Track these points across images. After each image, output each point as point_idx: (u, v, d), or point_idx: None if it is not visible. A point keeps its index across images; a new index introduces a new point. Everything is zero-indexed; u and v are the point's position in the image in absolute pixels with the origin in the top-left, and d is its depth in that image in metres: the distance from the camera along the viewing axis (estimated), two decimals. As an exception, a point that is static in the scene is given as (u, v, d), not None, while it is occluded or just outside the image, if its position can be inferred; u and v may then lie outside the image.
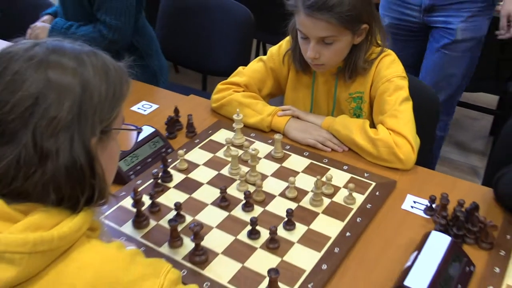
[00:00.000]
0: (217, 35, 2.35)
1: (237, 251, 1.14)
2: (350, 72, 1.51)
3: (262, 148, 1.49)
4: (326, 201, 1.29)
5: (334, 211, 1.26)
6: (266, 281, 1.05)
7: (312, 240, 1.18)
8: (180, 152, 1.39)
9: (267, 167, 1.42)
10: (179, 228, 1.19)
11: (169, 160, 1.42)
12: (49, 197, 0.74)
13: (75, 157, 0.73)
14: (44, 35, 2.00)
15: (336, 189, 1.33)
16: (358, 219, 1.24)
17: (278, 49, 1.64)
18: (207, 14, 2.37)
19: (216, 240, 1.17)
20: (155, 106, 1.74)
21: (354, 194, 1.29)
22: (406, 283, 1.01)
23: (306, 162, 1.44)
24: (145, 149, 1.44)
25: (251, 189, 1.32)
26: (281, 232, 1.19)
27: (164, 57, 2.29)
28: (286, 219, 1.21)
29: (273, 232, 1.14)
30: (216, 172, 1.40)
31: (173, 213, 1.23)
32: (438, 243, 1.10)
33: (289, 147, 1.50)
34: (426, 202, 1.30)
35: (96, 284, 0.70)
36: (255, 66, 1.66)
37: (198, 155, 1.46)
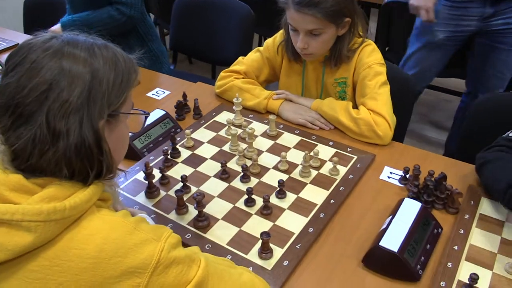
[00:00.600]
0: (223, 29, 2.30)
1: (235, 217, 1.12)
2: (336, 60, 1.46)
3: (258, 127, 1.45)
4: (314, 172, 1.26)
5: (320, 181, 1.23)
6: (259, 243, 1.03)
7: (300, 206, 1.15)
8: (187, 131, 1.36)
9: (262, 143, 1.38)
10: (185, 198, 1.17)
11: (178, 139, 1.39)
12: (62, 172, 0.72)
13: (84, 136, 0.71)
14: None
15: (322, 162, 1.30)
16: (341, 188, 1.20)
17: (273, 41, 1.58)
18: (214, 11, 2.32)
19: (217, 208, 1.15)
20: (167, 92, 1.70)
21: (338, 167, 1.26)
22: (381, 243, 0.98)
23: (297, 139, 1.40)
24: (157, 129, 1.41)
25: (248, 163, 1.29)
26: (273, 200, 1.17)
27: (162, 43, 2.24)
28: (278, 188, 1.18)
29: (266, 200, 1.11)
30: (218, 149, 1.36)
31: (180, 184, 1.20)
32: (410, 209, 1.07)
33: (282, 126, 1.46)
34: (401, 173, 1.26)
35: (104, 248, 0.68)
36: (253, 56, 1.61)
37: (203, 134, 1.43)
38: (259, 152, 1.34)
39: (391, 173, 1.27)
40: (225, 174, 1.24)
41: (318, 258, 1.03)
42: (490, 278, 0.96)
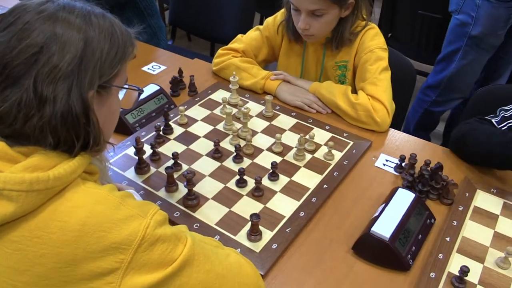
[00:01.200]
0: (224, 7, 2.26)
1: (226, 197, 1.10)
2: (337, 42, 1.42)
3: (254, 107, 1.43)
4: (308, 156, 1.24)
5: (314, 165, 1.21)
6: (249, 225, 1.02)
7: (292, 190, 1.13)
8: (181, 108, 1.33)
9: (257, 124, 1.36)
10: (175, 175, 1.15)
11: (171, 115, 1.37)
12: (47, 140, 0.69)
13: (71, 105, 0.69)
14: None
15: (318, 146, 1.28)
16: (335, 173, 1.19)
17: (274, 20, 1.55)
18: (214, -12, 2.27)
19: (207, 187, 1.13)
20: (163, 67, 1.67)
21: (333, 151, 1.24)
22: (372, 230, 0.97)
23: (292, 121, 1.38)
24: (150, 104, 1.38)
25: (242, 143, 1.27)
26: (265, 182, 1.15)
27: (162, 19, 2.19)
28: (271, 170, 1.16)
29: (258, 182, 1.09)
30: (212, 127, 1.34)
31: (171, 161, 1.18)
32: (404, 198, 1.05)
33: (279, 107, 1.44)
34: (396, 161, 1.25)
35: (88, 221, 0.66)
36: (252, 34, 1.58)
37: (197, 111, 1.41)
38: (254, 133, 1.32)
39: (386, 160, 1.26)
40: (217, 153, 1.22)
41: (307, 243, 1.02)
42: (481, 271, 0.96)
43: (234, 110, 1.40)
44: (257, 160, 1.23)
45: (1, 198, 0.64)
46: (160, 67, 1.67)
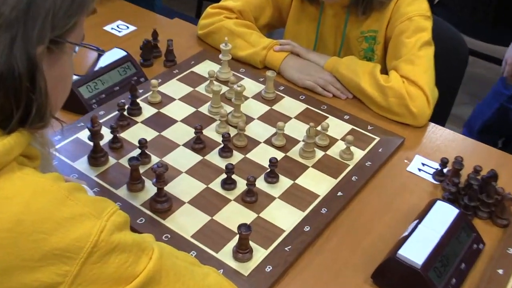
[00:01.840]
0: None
1: (207, 202, 1.11)
2: (365, 5, 1.43)
3: (251, 86, 1.43)
4: (319, 153, 1.24)
5: (327, 165, 1.21)
6: (236, 239, 1.01)
7: (296, 196, 1.13)
8: (154, 82, 1.33)
9: (254, 108, 1.36)
10: (142, 170, 1.15)
11: (140, 91, 1.37)
12: None
13: (13, 62, 0.69)
14: None
15: (332, 140, 1.28)
16: (354, 178, 1.19)
17: (282, -29, 1.56)
18: None
19: (183, 187, 1.13)
20: (132, 28, 1.67)
21: (353, 149, 1.24)
22: (400, 253, 0.96)
23: (301, 106, 1.38)
24: (113, 75, 1.38)
25: (232, 132, 1.27)
26: (261, 184, 1.15)
27: None
28: (268, 169, 1.16)
29: (250, 183, 1.09)
30: (194, 110, 1.34)
31: (137, 151, 1.18)
32: (444, 214, 1.05)
33: (283, 88, 1.44)
34: (436, 165, 1.25)
35: (23, 219, 0.66)
36: (253, -11, 1.58)
37: (174, 87, 1.41)
38: (248, 119, 1.32)
39: (423, 164, 1.26)
40: (199, 144, 1.22)
41: (312, 267, 1.01)
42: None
43: (224, 88, 1.40)
44: (251, 155, 1.23)
45: None
46: (128, 27, 1.67)
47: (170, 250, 0.82)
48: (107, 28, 1.66)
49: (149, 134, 1.26)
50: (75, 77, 1.29)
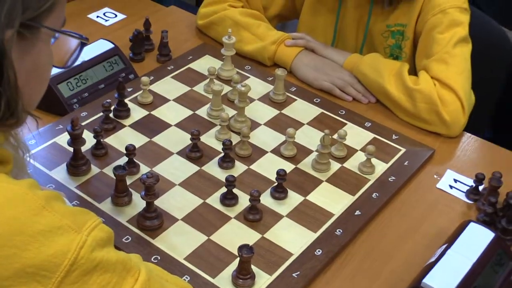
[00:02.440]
0: None
1: (203, 219, 1.13)
2: (391, -5, 1.46)
3: (258, 86, 1.46)
4: (335, 166, 1.27)
5: (344, 180, 1.24)
6: (236, 263, 1.04)
7: (307, 215, 1.16)
8: (145, 79, 1.36)
9: (261, 112, 1.39)
10: (129, 181, 1.18)
11: (129, 90, 1.40)
12: None
13: None
14: None
15: (351, 151, 1.31)
16: (375, 195, 1.21)
17: (297, -46, 1.59)
18: None
19: (177, 202, 1.16)
20: (121, 16, 1.71)
21: (374, 161, 1.27)
22: (425, 282, 0.99)
23: (315, 111, 1.41)
24: (98, 70, 1.42)
25: (235, 139, 1.30)
26: (267, 200, 1.18)
27: None
28: (275, 183, 1.19)
29: (254, 199, 1.12)
30: (191, 112, 1.37)
31: (124, 159, 1.21)
32: (477, 238, 1.08)
33: (295, 89, 1.47)
34: (471, 182, 1.27)
35: None
36: (263, -25, 1.62)
37: (169, 86, 1.44)
38: (254, 125, 1.35)
39: (455, 180, 1.29)
40: (195, 152, 1.26)
41: (324, 297, 1.04)
42: None
43: (227, 88, 1.43)
44: (256, 166, 1.26)
45: None
46: (116, 16, 1.71)
47: (160, 272, 0.84)
48: (92, 16, 1.69)
49: (138, 139, 1.28)
50: (54, 71, 1.33)
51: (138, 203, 1.14)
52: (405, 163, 1.29)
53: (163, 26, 1.60)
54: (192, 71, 1.50)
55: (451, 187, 1.27)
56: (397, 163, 1.29)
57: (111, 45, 1.46)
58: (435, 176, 1.29)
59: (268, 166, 1.25)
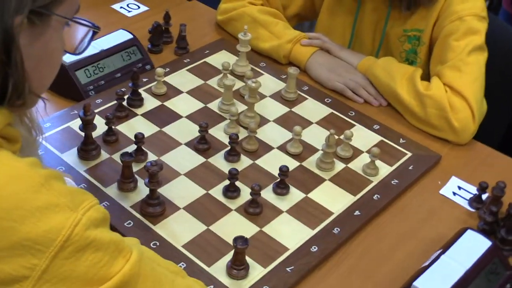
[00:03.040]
0: None
1: (205, 209, 1.16)
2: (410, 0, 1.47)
3: (270, 83, 1.48)
4: (339, 166, 1.29)
5: (347, 180, 1.26)
6: (231, 254, 1.06)
7: (307, 212, 1.18)
8: (159, 70, 1.39)
9: (271, 109, 1.41)
10: (136, 168, 1.21)
11: (144, 80, 1.43)
12: None
13: None
14: None
15: (357, 152, 1.32)
16: (376, 197, 1.23)
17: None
18: None
19: (180, 191, 1.19)
20: (144, 8, 1.74)
21: (378, 163, 1.28)
22: (415, 284, 1.00)
23: (325, 111, 1.43)
24: (116, 60, 1.45)
25: (243, 133, 1.32)
26: (269, 195, 1.20)
27: None
28: (278, 179, 1.21)
29: (255, 193, 1.14)
30: (202, 105, 1.40)
31: (133, 147, 1.24)
32: (473, 246, 1.08)
33: (307, 88, 1.49)
34: (475, 190, 1.27)
35: None
36: (284, -26, 1.64)
37: (183, 79, 1.47)
38: (263, 121, 1.37)
39: (459, 188, 1.29)
40: (203, 144, 1.28)
41: (316, 293, 1.06)
42: None
43: (239, 84, 1.45)
44: (262, 161, 1.28)
45: None
46: (139, 7, 1.74)
47: (152, 255, 0.86)
48: (115, 6, 1.73)
49: (149, 128, 1.32)
50: (72, 59, 1.37)
51: (143, 189, 1.17)
52: (410, 167, 1.30)
53: (184, 19, 1.62)
54: (208, 65, 1.52)
55: (454, 194, 1.28)
56: (402, 167, 1.30)
57: (130, 36, 1.49)
58: (439, 182, 1.30)
59: (273, 162, 1.27)
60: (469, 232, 1.12)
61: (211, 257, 1.08)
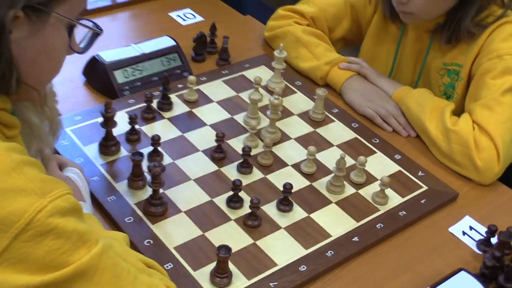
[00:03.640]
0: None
1: (205, 216, 1.18)
2: (451, 33, 1.44)
3: (302, 102, 1.50)
4: (350, 190, 1.28)
5: (353, 205, 1.25)
6: (219, 261, 1.08)
7: (305, 231, 1.18)
8: (191, 78, 1.43)
9: (295, 127, 1.42)
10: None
11: (180, 86, 1.47)
12: None
13: None
14: None
15: (371, 179, 1.31)
16: (379, 225, 1.21)
17: (367, -18, 1.61)
18: None
19: (186, 195, 1.22)
20: (199, 18, 1.80)
21: (389, 192, 1.27)
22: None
23: (349, 135, 1.42)
24: (155, 64, 1.50)
25: (260, 148, 1.34)
26: (271, 210, 1.21)
27: None
28: (282, 196, 1.22)
29: (254, 205, 1.15)
30: (229, 116, 1.43)
31: (149, 148, 1.28)
32: (462, 287, 1.06)
33: (337, 111, 1.49)
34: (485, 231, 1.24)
35: None
36: (333, -4, 1.65)
37: (217, 89, 1.50)
38: (284, 137, 1.39)
39: (471, 228, 1.25)
40: (219, 153, 1.31)
41: (295, 311, 1.06)
42: None
43: (269, 98, 1.46)
44: (273, 176, 1.29)
45: None
46: (195, 17, 1.80)
47: (123, 251, 0.88)
48: (173, 14, 1.79)
49: (172, 132, 1.36)
50: (112, 58, 1.43)
51: (150, 189, 1.19)
52: (422, 201, 1.28)
53: (235, 33, 1.67)
54: (244, 78, 1.55)
55: (463, 233, 1.24)
56: (414, 199, 1.28)
57: (173, 43, 1.54)
58: (451, 219, 1.27)
59: (284, 179, 1.26)
60: (462, 273, 1.09)
61: (199, 262, 1.09)
